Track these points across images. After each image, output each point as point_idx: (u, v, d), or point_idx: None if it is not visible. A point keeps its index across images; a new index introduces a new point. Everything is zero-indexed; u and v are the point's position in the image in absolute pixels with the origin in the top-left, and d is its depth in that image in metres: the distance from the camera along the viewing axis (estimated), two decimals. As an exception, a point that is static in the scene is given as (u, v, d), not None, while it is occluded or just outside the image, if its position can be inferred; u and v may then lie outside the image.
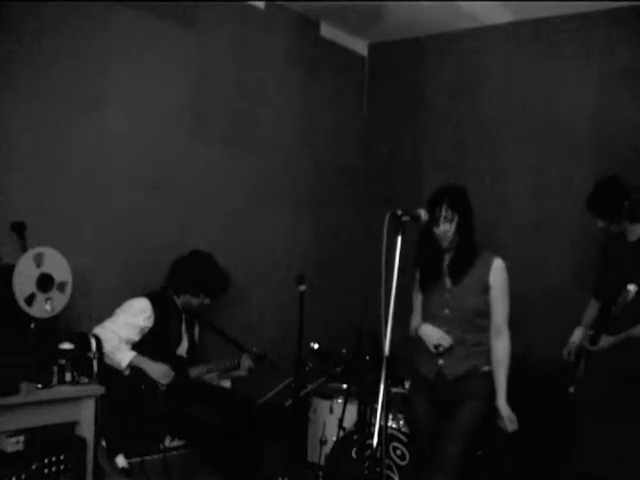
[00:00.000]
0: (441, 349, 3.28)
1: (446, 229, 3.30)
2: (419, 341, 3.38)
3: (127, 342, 3.80)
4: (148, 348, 3.84)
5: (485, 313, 3.34)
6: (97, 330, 3.74)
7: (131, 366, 3.77)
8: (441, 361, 3.32)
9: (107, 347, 3.71)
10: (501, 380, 3.28)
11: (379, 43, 5.88)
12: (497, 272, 3.33)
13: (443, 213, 3.29)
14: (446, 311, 3.33)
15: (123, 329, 3.79)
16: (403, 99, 5.74)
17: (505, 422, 3.25)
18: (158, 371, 3.84)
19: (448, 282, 3.36)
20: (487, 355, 3.33)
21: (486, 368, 3.32)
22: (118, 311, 3.85)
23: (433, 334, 3.31)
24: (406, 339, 4.66)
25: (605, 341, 3.75)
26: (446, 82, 5.52)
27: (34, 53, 3.72)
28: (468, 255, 3.34)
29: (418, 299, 3.52)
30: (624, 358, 3.71)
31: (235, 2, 4.80)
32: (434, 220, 3.29)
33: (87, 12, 3.93)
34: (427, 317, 3.40)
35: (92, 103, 3.99)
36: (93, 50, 3.99)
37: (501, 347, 3.31)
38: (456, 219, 3.29)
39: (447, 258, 3.39)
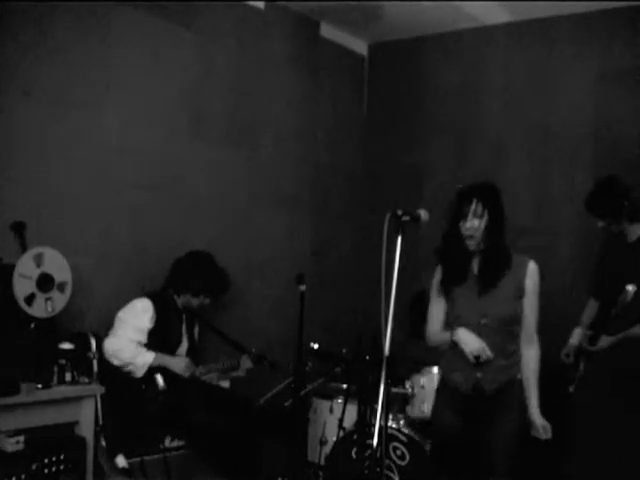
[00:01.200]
0: (481, 360, 3.02)
1: (474, 225, 3.04)
2: (452, 348, 3.13)
3: (140, 345, 3.82)
4: (149, 348, 3.85)
5: (519, 320, 3.13)
6: (111, 340, 3.75)
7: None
8: (479, 374, 3.07)
9: (127, 355, 3.74)
10: (534, 389, 3.13)
11: (379, 43, 5.88)
12: (532, 276, 3.13)
13: (472, 207, 3.04)
14: (483, 320, 3.07)
15: (134, 333, 3.81)
16: (403, 99, 5.74)
17: (540, 431, 3.11)
18: (180, 365, 3.90)
19: (480, 288, 3.10)
20: (520, 363, 3.16)
21: (519, 376, 3.15)
22: (122, 315, 3.84)
23: (474, 343, 3.03)
24: (407, 340, 4.67)
25: (604, 341, 3.75)
26: (446, 82, 5.52)
27: (34, 53, 3.72)
28: (501, 258, 3.10)
29: (439, 303, 3.23)
30: (623, 358, 3.71)
31: (235, 2, 4.80)
32: (461, 215, 3.07)
33: (87, 12, 3.94)
34: (456, 325, 3.12)
35: (92, 103, 3.99)
36: (93, 50, 3.99)
37: (533, 355, 3.16)
38: (486, 216, 3.05)
39: (476, 261, 3.13)
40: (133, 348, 3.77)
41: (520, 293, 3.10)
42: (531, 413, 3.13)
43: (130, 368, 3.76)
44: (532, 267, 3.14)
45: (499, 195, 3.16)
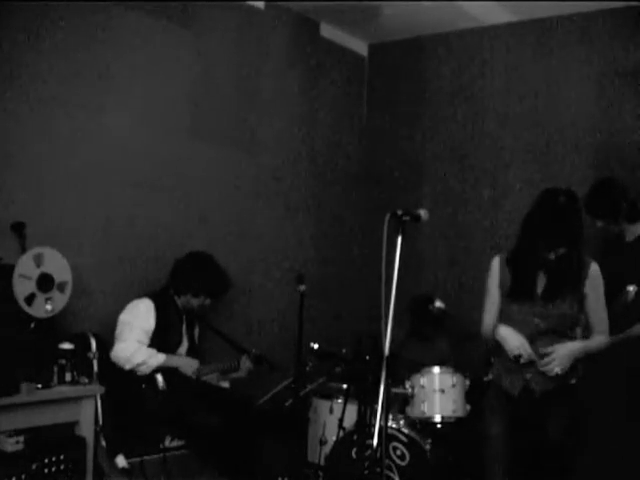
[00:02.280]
0: (522, 360, 3.02)
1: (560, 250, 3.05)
2: (499, 347, 3.14)
3: (148, 346, 3.84)
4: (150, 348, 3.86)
5: (577, 324, 3.11)
6: (120, 346, 3.76)
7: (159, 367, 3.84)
8: (529, 375, 3.07)
9: (140, 359, 3.75)
10: (589, 342, 3.10)
11: (379, 43, 5.87)
12: (594, 279, 3.07)
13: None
14: (536, 320, 3.07)
15: (141, 336, 3.82)
16: (403, 99, 5.74)
17: (547, 364, 3.02)
18: (193, 367, 3.95)
19: (540, 291, 3.09)
20: (575, 367, 3.10)
21: (573, 381, 3.13)
22: (125, 318, 3.84)
23: (514, 341, 3.04)
24: (406, 340, 4.66)
25: (606, 340, 3.75)
26: (446, 82, 5.52)
27: (34, 53, 3.72)
28: (573, 275, 3.06)
29: (495, 297, 3.21)
30: (624, 357, 3.71)
31: (235, 2, 4.80)
32: (545, 239, 3.04)
33: (87, 12, 3.93)
34: (509, 322, 3.12)
35: (92, 103, 3.99)
36: (93, 50, 3.99)
37: (600, 337, 3.14)
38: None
39: (545, 268, 3.09)
40: (144, 351, 3.78)
41: (580, 297, 3.07)
42: (564, 342, 3.04)
43: (141, 368, 3.77)
44: (593, 270, 3.07)
45: (579, 209, 3.12)
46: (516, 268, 3.16)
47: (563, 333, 3.09)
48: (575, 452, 3.14)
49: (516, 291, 3.13)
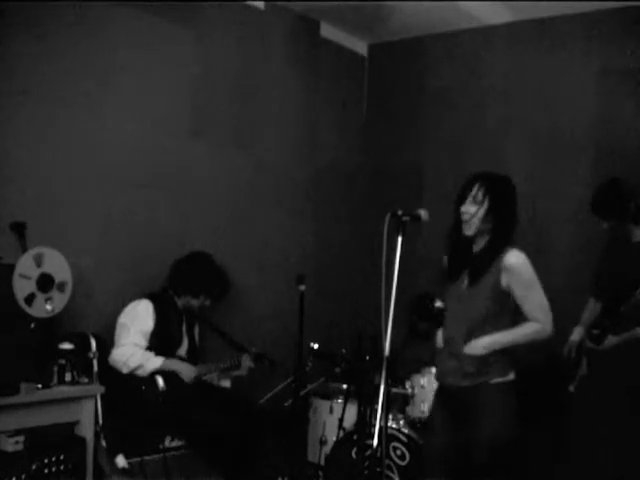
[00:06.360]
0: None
1: (470, 211, 2.95)
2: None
3: (146, 349, 3.84)
4: (150, 349, 3.85)
5: (495, 320, 2.96)
6: (118, 351, 3.76)
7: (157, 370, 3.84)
8: (444, 366, 3.10)
9: (136, 363, 3.75)
10: (501, 334, 2.94)
11: (379, 43, 5.87)
12: (510, 272, 2.92)
13: (472, 192, 2.96)
14: (458, 306, 3.05)
15: (139, 338, 3.81)
16: (403, 99, 5.74)
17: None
18: (189, 372, 3.93)
19: (466, 278, 3.04)
20: (500, 365, 2.97)
21: (497, 380, 2.96)
22: (124, 321, 3.84)
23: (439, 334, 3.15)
24: (406, 339, 4.66)
25: (611, 340, 3.74)
26: (446, 82, 5.52)
27: (34, 53, 3.72)
28: (490, 254, 2.96)
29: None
30: (629, 358, 3.70)
31: (235, 2, 4.80)
32: (462, 198, 2.99)
33: (87, 12, 3.93)
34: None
35: (92, 103, 3.99)
36: (93, 50, 3.98)
37: (528, 324, 2.96)
38: (486, 205, 2.93)
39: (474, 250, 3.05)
40: (140, 355, 3.78)
41: (497, 290, 2.95)
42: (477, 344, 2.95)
43: (138, 372, 3.77)
44: (507, 262, 2.93)
45: (510, 189, 3.03)
46: (448, 249, 3.22)
47: (480, 328, 2.96)
48: (506, 453, 2.98)
49: (449, 271, 3.18)
